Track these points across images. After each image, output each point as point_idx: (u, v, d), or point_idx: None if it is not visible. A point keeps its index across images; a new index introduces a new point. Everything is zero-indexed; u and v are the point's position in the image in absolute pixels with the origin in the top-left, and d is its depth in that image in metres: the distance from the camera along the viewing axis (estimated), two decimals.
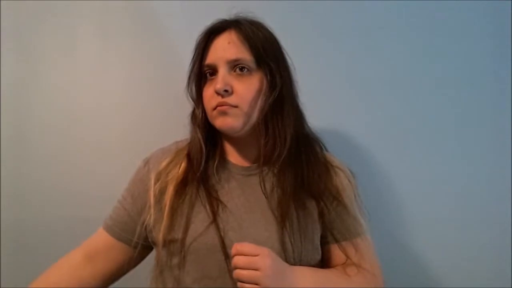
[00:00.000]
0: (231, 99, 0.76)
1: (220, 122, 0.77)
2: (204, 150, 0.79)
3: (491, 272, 1.08)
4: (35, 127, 1.07)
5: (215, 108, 0.77)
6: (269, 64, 0.78)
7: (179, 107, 1.04)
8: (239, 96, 0.76)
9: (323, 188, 0.80)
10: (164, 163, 0.82)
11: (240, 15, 0.81)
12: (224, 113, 0.76)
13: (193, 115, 0.82)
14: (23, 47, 1.06)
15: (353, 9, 1.08)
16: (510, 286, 1.08)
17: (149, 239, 0.81)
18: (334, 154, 0.89)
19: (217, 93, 0.75)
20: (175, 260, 0.77)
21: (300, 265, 0.76)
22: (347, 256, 0.81)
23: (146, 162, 0.86)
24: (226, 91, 0.75)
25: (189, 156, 0.81)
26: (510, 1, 1.08)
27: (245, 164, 0.83)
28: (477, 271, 1.08)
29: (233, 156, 0.83)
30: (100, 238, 0.85)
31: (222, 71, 0.76)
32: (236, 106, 0.76)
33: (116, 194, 0.91)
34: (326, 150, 0.87)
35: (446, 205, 1.08)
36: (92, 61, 1.08)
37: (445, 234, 1.08)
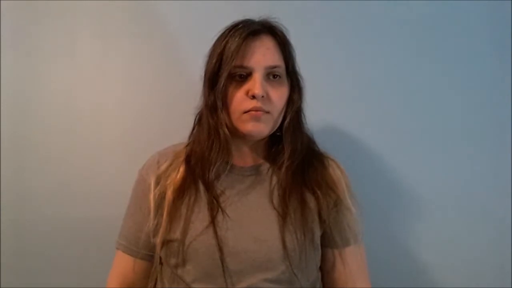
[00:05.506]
0: (266, 105, 0.76)
1: (251, 127, 0.76)
2: (230, 150, 0.78)
3: (491, 272, 1.08)
4: (35, 127, 1.07)
5: (246, 112, 0.75)
6: (296, 74, 0.81)
7: (179, 107, 1.05)
8: (272, 103, 0.76)
9: (320, 180, 0.81)
10: (163, 167, 0.82)
11: (270, 20, 0.80)
12: (257, 119, 0.75)
13: (216, 116, 0.77)
14: (23, 47, 1.06)
15: (354, 8, 1.08)
16: (510, 286, 1.08)
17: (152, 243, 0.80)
18: (336, 153, 0.89)
19: (254, 98, 0.74)
20: (175, 260, 0.77)
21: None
22: (338, 264, 0.82)
23: (143, 170, 0.84)
24: (262, 96, 0.75)
25: (187, 161, 0.80)
26: (510, 1, 1.08)
27: (247, 164, 0.83)
28: (477, 271, 1.08)
29: (236, 156, 0.82)
30: (126, 263, 0.84)
31: (259, 76, 0.75)
32: (268, 112, 0.76)
33: (116, 194, 0.90)
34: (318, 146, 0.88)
35: (446, 205, 1.08)
36: (92, 61, 1.07)
37: (445, 234, 1.08)
